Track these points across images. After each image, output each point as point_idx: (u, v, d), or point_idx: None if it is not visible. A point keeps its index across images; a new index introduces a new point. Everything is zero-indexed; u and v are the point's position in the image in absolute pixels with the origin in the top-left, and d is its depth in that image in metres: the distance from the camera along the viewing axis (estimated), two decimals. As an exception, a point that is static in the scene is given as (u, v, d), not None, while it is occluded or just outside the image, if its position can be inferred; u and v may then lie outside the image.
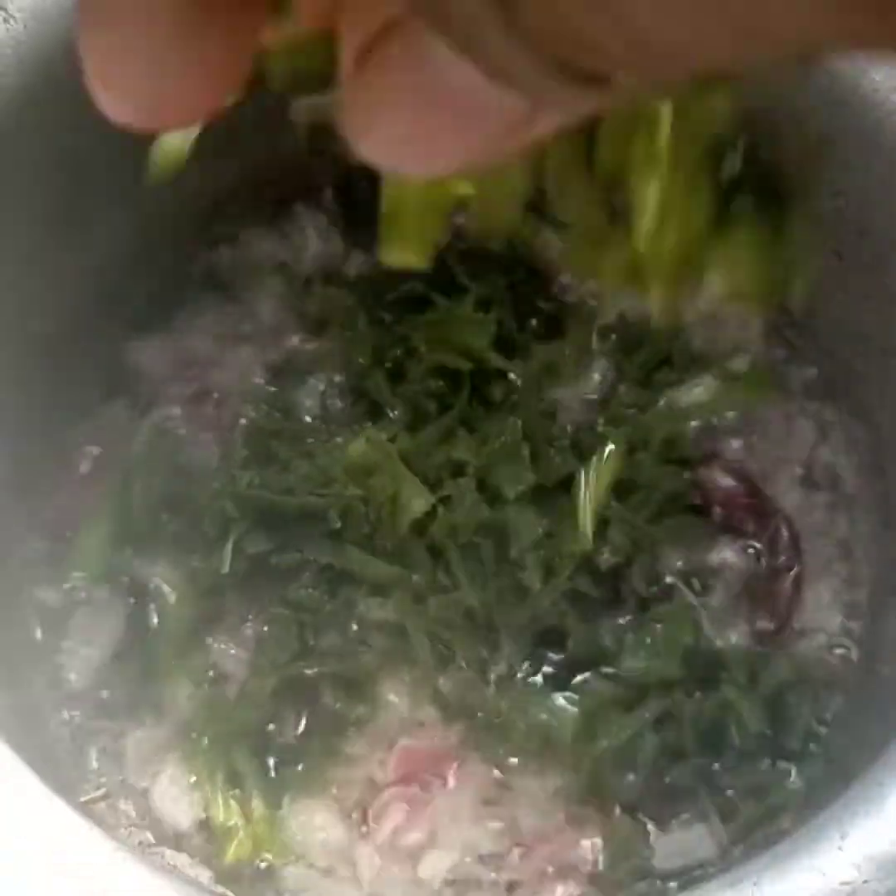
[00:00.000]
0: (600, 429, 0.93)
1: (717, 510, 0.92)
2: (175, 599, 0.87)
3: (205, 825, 0.81)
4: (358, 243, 0.99)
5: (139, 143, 0.80)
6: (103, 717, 0.86)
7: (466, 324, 0.92)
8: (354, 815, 0.83)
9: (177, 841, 0.82)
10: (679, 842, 0.85)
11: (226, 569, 0.87)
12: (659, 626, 0.86)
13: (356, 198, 1.00)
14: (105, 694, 0.86)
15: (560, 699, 0.85)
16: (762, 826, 0.85)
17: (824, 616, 0.90)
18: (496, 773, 0.84)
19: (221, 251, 0.97)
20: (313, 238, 0.99)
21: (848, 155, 0.79)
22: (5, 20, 0.72)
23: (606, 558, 0.88)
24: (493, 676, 0.85)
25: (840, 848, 0.61)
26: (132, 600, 0.88)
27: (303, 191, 0.99)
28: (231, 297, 0.96)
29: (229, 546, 0.87)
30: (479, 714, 0.84)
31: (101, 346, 0.92)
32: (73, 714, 0.86)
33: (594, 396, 0.95)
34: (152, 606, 0.87)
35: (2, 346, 0.81)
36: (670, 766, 0.84)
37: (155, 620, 0.87)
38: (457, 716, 0.85)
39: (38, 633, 0.87)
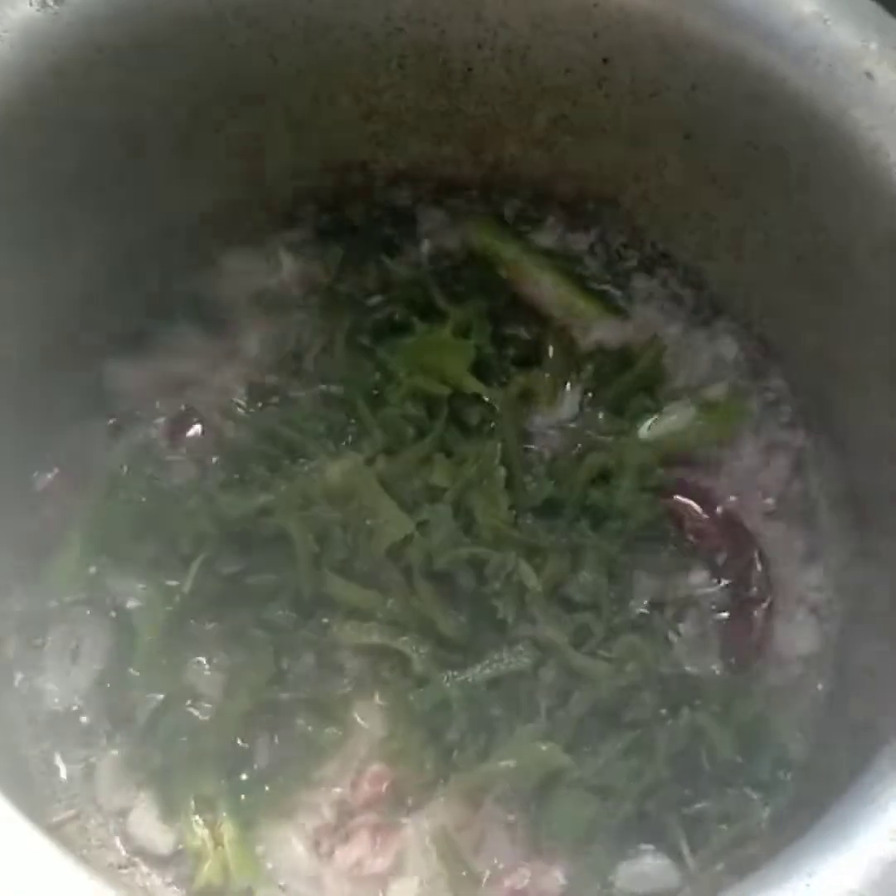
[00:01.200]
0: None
1: (691, 539, 0.93)
2: (150, 619, 0.86)
3: (181, 849, 0.81)
4: (339, 267, 1.00)
5: (127, 164, 0.81)
6: (76, 736, 0.86)
7: (445, 349, 0.93)
8: (324, 840, 0.83)
9: (153, 864, 0.81)
10: (645, 870, 0.85)
11: (187, 587, 0.87)
12: (632, 655, 0.86)
13: (338, 223, 1.01)
14: (78, 713, 0.86)
15: (531, 727, 0.84)
16: (731, 852, 0.85)
17: (795, 647, 0.90)
18: (466, 800, 0.84)
19: (203, 273, 0.97)
20: (294, 262, 0.99)
21: (828, 191, 0.79)
22: (-7, 40, 0.72)
23: (581, 585, 0.88)
24: (464, 703, 0.84)
25: (808, 885, 0.61)
26: (108, 619, 0.88)
27: (285, 215, 0.99)
28: (212, 318, 0.96)
29: (197, 564, 0.87)
30: (451, 740, 0.84)
31: (81, 365, 0.92)
32: (45, 733, 0.85)
33: (571, 424, 0.96)
34: (128, 626, 0.87)
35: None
36: (642, 793, 0.84)
37: (130, 640, 0.86)
38: (428, 742, 0.84)
39: (13, 650, 0.86)
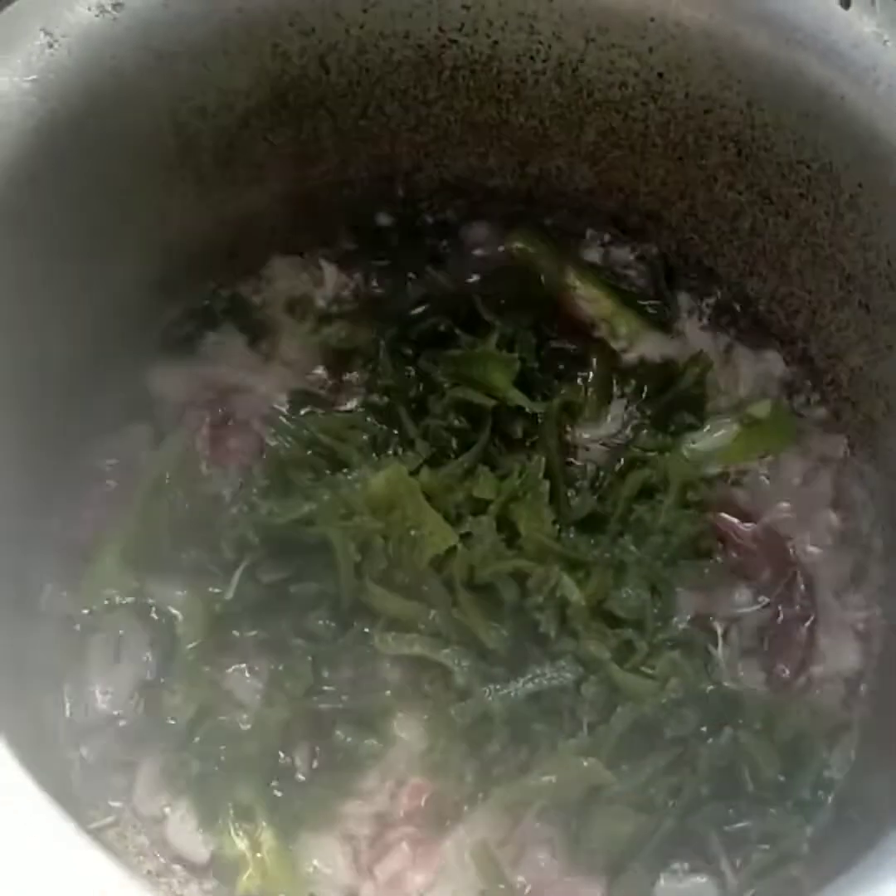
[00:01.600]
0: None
1: (735, 556, 0.92)
2: (191, 626, 0.86)
3: (219, 857, 0.81)
4: (383, 277, 1.00)
5: (176, 169, 0.81)
6: (116, 742, 0.85)
7: (490, 361, 0.92)
8: (364, 852, 0.83)
9: (191, 872, 0.81)
10: (685, 887, 0.84)
11: (230, 595, 0.87)
12: (674, 671, 0.85)
13: (383, 232, 1.00)
14: (118, 718, 0.86)
15: (573, 742, 0.84)
16: (772, 873, 0.84)
17: (838, 665, 0.90)
18: (506, 814, 0.84)
19: (246, 281, 0.97)
20: (338, 270, 0.99)
21: (881, 210, 0.79)
22: (50, 45, 0.72)
23: (623, 601, 0.88)
24: (506, 717, 0.84)
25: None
26: (150, 625, 0.88)
27: (330, 223, 0.99)
28: (255, 326, 0.96)
29: (239, 572, 0.87)
30: (492, 753, 0.84)
31: (125, 371, 0.92)
32: (85, 738, 0.85)
33: (615, 438, 0.96)
34: (169, 632, 0.87)
35: (28, 368, 0.81)
36: (683, 810, 0.84)
37: (171, 646, 0.86)
38: (469, 756, 0.84)
39: (57, 655, 0.86)
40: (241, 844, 0.81)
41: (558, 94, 0.90)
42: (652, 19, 0.83)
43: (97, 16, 0.75)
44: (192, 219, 0.89)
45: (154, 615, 0.88)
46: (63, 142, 0.75)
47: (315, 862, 0.82)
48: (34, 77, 0.72)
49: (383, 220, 1.00)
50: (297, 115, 0.89)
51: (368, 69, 0.88)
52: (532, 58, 0.88)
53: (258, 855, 0.81)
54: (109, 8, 0.75)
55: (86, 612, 0.88)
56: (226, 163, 0.87)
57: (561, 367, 0.97)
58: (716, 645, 0.89)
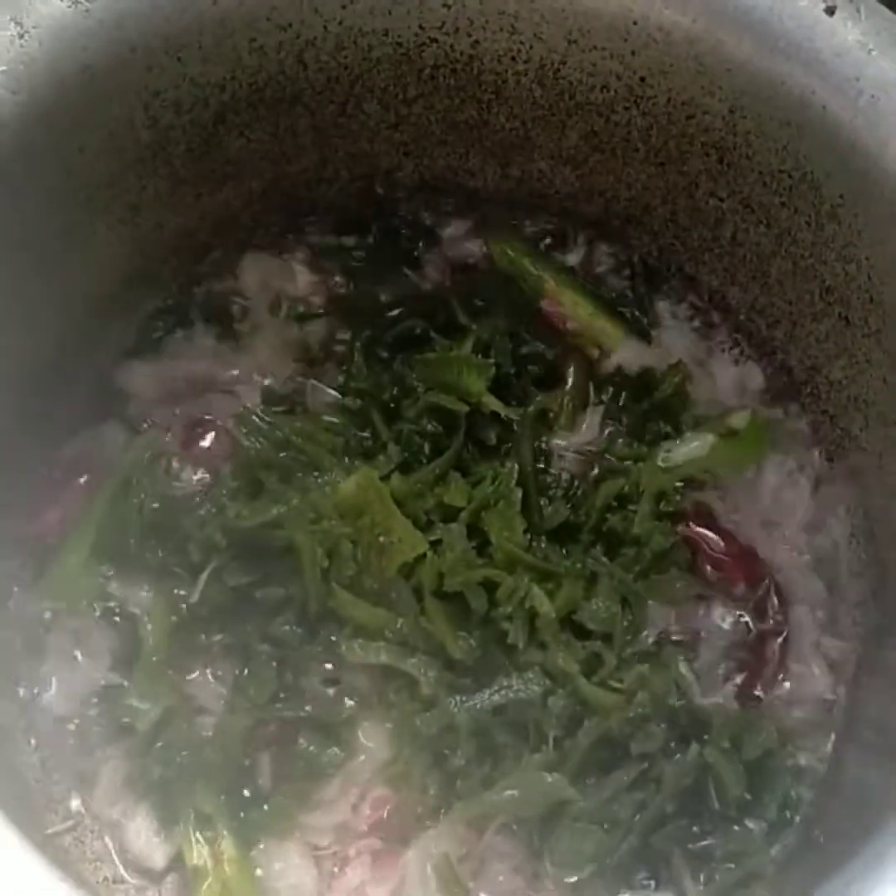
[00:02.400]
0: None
1: (708, 569, 0.91)
2: (155, 628, 0.85)
3: (178, 865, 0.79)
4: (359, 277, 0.98)
5: (149, 164, 0.79)
6: (75, 745, 0.84)
7: (465, 366, 0.91)
8: (325, 863, 0.82)
9: (149, 880, 0.80)
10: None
11: (195, 598, 0.86)
12: (643, 685, 0.84)
13: (359, 232, 0.99)
14: (78, 721, 0.84)
15: (538, 757, 0.83)
16: (736, 892, 0.83)
17: (810, 683, 0.89)
18: (468, 828, 0.83)
19: (220, 278, 0.95)
20: (314, 269, 0.98)
21: (863, 223, 0.78)
22: (21, 36, 0.71)
23: (594, 613, 0.87)
24: (471, 729, 0.83)
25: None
26: (112, 626, 0.86)
27: (306, 222, 0.98)
28: (228, 324, 0.95)
29: (205, 575, 0.85)
30: (456, 766, 0.82)
31: (96, 368, 0.91)
32: (44, 741, 0.84)
33: (590, 447, 0.94)
34: (132, 633, 0.86)
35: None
36: (647, 827, 0.83)
37: (134, 648, 0.85)
38: (432, 767, 0.83)
39: (16, 654, 0.85)
40: (202, 852, 0.80)
41: (540, 96, 0.89)
42: (635, 23, 0.82)
43: (69, 7, 0.73)
44: (166, 214, 0.87)
45: (117, 617, 0.87)
46: (33, 135, 0.73)
47: (276, 872, 0.81)
48: (3, 68, 0.70)
49: (361, 219, 0.98)
50: (274, 111, 0.87)
51: (347, 66, 0.86)
52: (513, 58, 0.87)
53: (218, 864, 0.80)
54: (83, 0, 0.73)
55: (48, 612, 0.86)
56: (200, 158, 0.86)
57: (537, 373, 0.95)
58: (686, 659, 0.87)
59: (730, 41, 0.78)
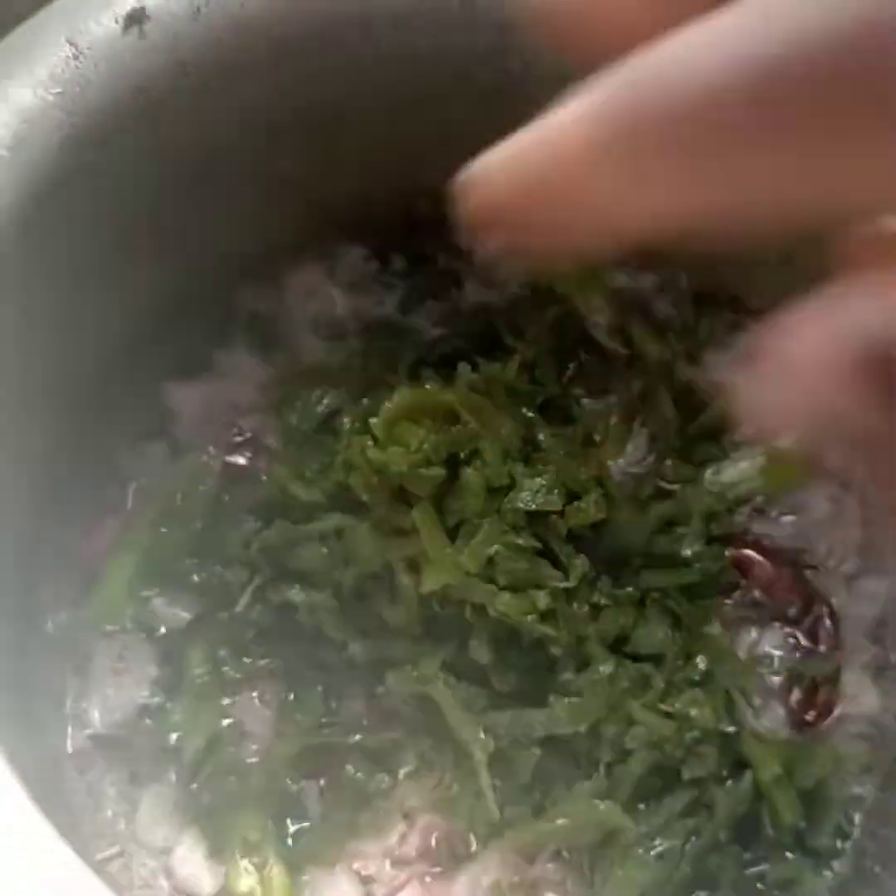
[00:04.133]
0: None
1: (758, 593, 0.90)
2: (199, 650, 0.84)
3: (227, 892, 0.79)
4: (403, 297, 0.98)
5: (198, 186, 0.79)
6: (120, 769, 0.83)
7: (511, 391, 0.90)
8: (374, 890, 0.81)
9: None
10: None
11: (237, 620, 0.85)
12: (694, 711, 0.83)
13: (404, 251, 0.99)
14: (124, 744, 0.83)
15: (589, 784, 0.82)
16: (788, 922, 0.82)
17: (864, 708, 0.88)
18: (519, 857, 0.82)
19: (265, 298, 0.95)
20: (354, 290, 0.97)
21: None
22: (76, 57, 0.70)
23: (644, 637, 0.86)
24: (521, 755, 0.82)
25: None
26: (157, 648, 0.86)
27: (352, 242, 0.97)
28: (272, 344, 0.94)
29: (246, 596, 0.85)
30: (507, 793, 0.82)
31: (142, 388, 0.90)
32: (89, 764, 0.83)
33: (636, 468, 0.93)
34: (177, 656, 0.85)
35: (44, 382, 0.79)
36: (700, 854, 0.82)
37: (178, 670, 0.84)
38: (482, 795, 0.82)
39: (61, 677, 0.84)
40: (250, 879, 0.79)
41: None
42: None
43: (124, 28, 0.72)
44: (213, 235, 0.87)
45: (161, 638, 0.86)
46: (87, 157, 0.72)
47: (324, 899, 0.80)
48: (59, 90, 0.70)
49: (405, 238, 0.98)
50: (322, 132, 0.87)
51: (396, 87, 0.86)
52: (565, 80, 0.86)
53: (267, 890, 0.79)
54: (137, 20, 0.73)
55: (93, 633, 0.86)
56: (249, 178, 0.85)
57: (583, 394, 0.95)
58: (740, 683, 0.86)
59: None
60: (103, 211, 0.77)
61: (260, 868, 0.79)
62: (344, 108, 0.86)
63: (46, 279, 0.74)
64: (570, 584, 0.83)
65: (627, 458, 0.93)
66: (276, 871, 0.79)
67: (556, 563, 0.84)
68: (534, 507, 0.83)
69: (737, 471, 0.93)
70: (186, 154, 0.80)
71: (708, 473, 0.93)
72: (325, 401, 0.91)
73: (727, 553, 0.90)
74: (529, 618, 0.82)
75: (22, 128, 0.69)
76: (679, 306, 0.99)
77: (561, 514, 0.84)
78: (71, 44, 0.71)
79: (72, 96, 0.71)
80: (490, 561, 0.81)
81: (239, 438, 0.92)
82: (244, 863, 0.79)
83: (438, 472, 0.81)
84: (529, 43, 0.81)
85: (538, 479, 0.84)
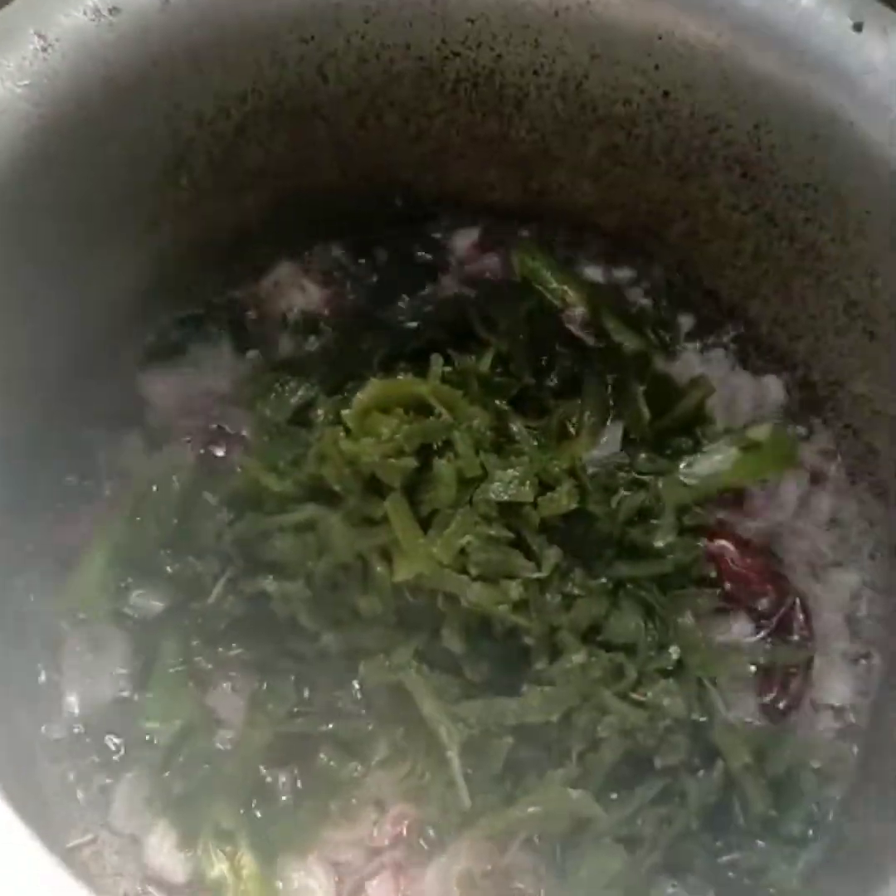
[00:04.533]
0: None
1: (731, 584, 0.90)
2: (173, 640, 0.85)
3: (198, 880, 0.79)
4: (378, 289, 0.98)
5: (169, 176, 0.79)
6: (94, 758, 0.83)
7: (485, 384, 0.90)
8: (347, 879, 0.81)
9: (169, 894, 0.79)
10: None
11: (211, 610, 0.85)
12: (666, 700, 0.84)
13: (378, 244, 0.99)
14: (97, 733, 0.84)
15: (561, 772, 0.82)
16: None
17: (834, 698, 0.88)
18: (491, 844, 0.82)
19: (239, 289, 0.95)
20: (333, 281, 0.97)
21: (889, 239, 0.77)
22: (44, 49, 0.71)
23: (617, 627, 0.86)
24: (492, 743, 0.82)
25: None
26: (130, 637, 0.86)
27: (322, 234, 0.97)
28: (247, 335, 0.95)
29: (220, 586, 0.85)
30: (478, 781, 0.82)
31: (117, 378, 0.91)
32: (62, 753, 0.83)
33: (611, 460, 0.93)
34: (151, 645, 0.85)
35: (20, 375, 0.80)
36: (671, 842, 0.82)
37: (152, 660, 0.84)
38: (454, 783, 0.82)
39: (34, 666, 0.84)
40: (222, 867, 0.79)
41: (561, 110, 0.89)
42: (659, 37, 0.82)
43: (92, 20, 0.73)
44: (186, 225, 0.87)
45: (136, 627, 0.86)
46: (56, 148, 0.73)
47: (296, 887, 0.80)
48: (27, 82, 0.70)
49: (380, 231, 0.98)
50: (294, 123, 0.87)
51: (368, 79, 0.86)
52: (536, 72, 0.87)
53: (239, 879, 0.79)
54: (105, 12, 0.73)
55: (66, 623, 0.86)
56: (220, 170, 0.86)
57: (557, 386, 0.95)
58: (713, 674, 0.87)
59: (754, 56, 0.78)
60: (73, 201, 0.77)
61: (231, 856, 0.79)
62: (317, 98, 0.87)
63: (15, 271, 0.75)
64: (543, 574, 0.83)
65: (601, 450, 0.93)
66: (248, 859, 0.79)
67: (528, 553, 0.84)
68: (506, 497, 0.83)
69: (710, 463, 0.93)
70: (158, 144, 0.80)
71: (682, 465, 0.93)
72: (299, 393, 0.91)
73: (700, 544, 0.90)
74: (502, 608, 0.82)
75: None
76: (654, 299, 0.99)
77: (534, 504, 0.84)
78: (39, 36, 0.71)
79: (40, 88, 0.71)
80: (462, 551, 0.82)
81: (213, 428, 0.91)
82: (217, 851, 0.79)
83: (410, 462, 0.82)
84: (501, 35, 0.82)
85: (511, 471, 0.84)
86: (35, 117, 0.71)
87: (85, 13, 0.73)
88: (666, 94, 0.85)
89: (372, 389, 0.84)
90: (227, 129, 0.84)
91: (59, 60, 0.72)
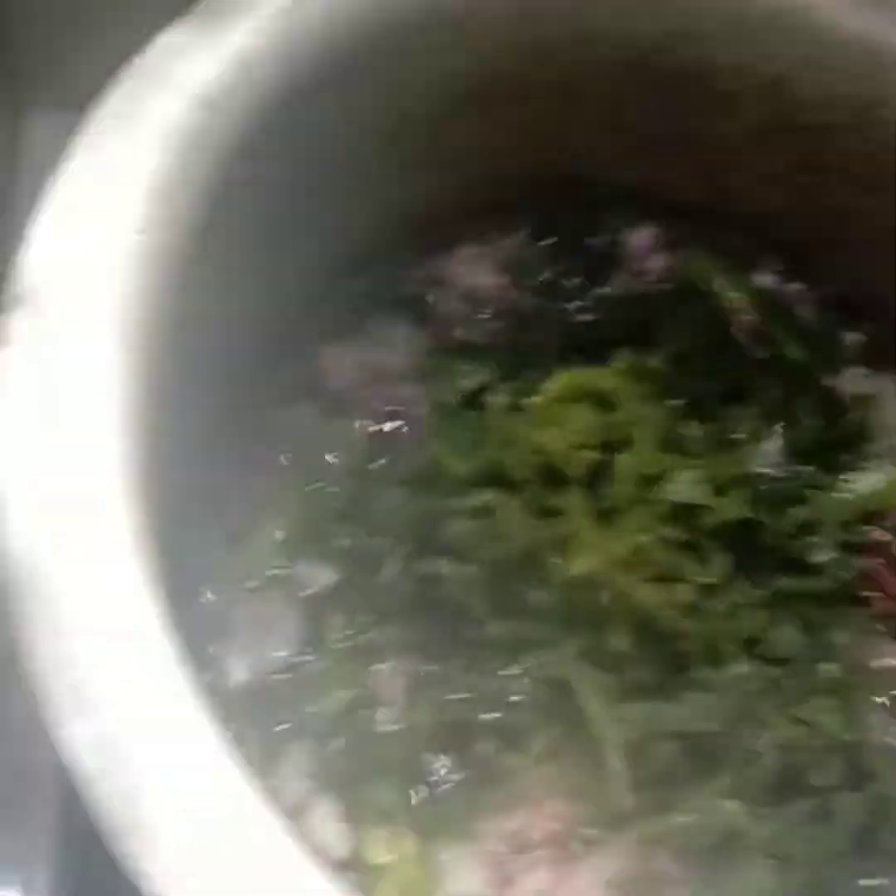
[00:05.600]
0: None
1: (884, 606, 0.90)
2: (342, 614, 0.84)
3: (359, 858, 0.78)
4: (549, 282, 0.97)
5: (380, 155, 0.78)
6: (258, 726, 0.83)
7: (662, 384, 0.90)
8: (500, 870, 0.80)
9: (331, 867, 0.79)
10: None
11: (381, 586, 0.85)
12: (823, 718, 0.83)
13: (552, 235, 0.98)
14: (263, 704, 0.83)
15: (717, 783, 0.81)
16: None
17: None
18: (641, 850, 0.81)
19: (426, 268, 0.95)
20: (506, 271, 0.97)
21: None
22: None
23: (776, 641, 0.86)
24: (651, 747, 0.82)
25: None
26: (300, 607, 0.85)
27: (510, 221, 0.97)
28: (429, 315, 0.94)
29: (391, 563, 0.85)
30: (635, 785, 0.81)
31: (298, 351, 0.90)
32: (228, 723, 0.82)
33: (772, 472, 0.93)
34: (319, 617, 0.85)
35: (212, 350, 0.78)
36: (819, 862, 0.81)
37: (320, 637, 0.84)
38: (610, 784, 0.81)
39: (204, 635, 0.84)
40: (382, 848, 0.79)
41: (767, 113, 0.88)
42: (874, 47, 0.81)
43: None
44: (385, 201, 0.87)
45: (304, 601, 0.85)
46: (291, 115, 0.72)
47: (451, 875, 0.80)
48: (274, 38, 0.69)
49: (561, 221, 0.97)
50: (500, 106, 0.87)
51: (580, 64, 0.85)
52: (749, 73, 0.86)
53: (398, 861, 0.78)
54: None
55: (235, 592, 0.85)
56: (428, 148, 0.85)
57: (725, 392, 0.94)
58: (869, 694, 0.86)
59: None
60: (292, 178, 0.77)
61: (391, 837, 0.79)
62: (521, 83, 0.86)
63: (230, 246, 0.74)
64: (714, 580, 0.83)
65: (765, 460, 0.93)
66: (407, 842, 0.79)
67: (699, 557, 0.84)
68: (683, 499, 0.83)
69: (871, 481, 0.93)
70: (378, 117, 0.79)
71: (843, 481, 0.93)
72: (474, 376, 0.91)
73: (859, 564, 0.90)
74: (670, 611, 0.81)
75: (239, 75, 0.68)
76: (824, 314, 0.98)
77: (708, 508, 0.84)
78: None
79: (289, 43, 0.70)
80: (638, 549, 0.81)
81: (389, 407, 0.91)
82: (376, 831, 0.79)
83: (594, 455, 0.82)
84: (720, 35, 0.81)
85: (688, 472, 0.84)
86: (285, 76, 0.70)
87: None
88: (874, 105, 0.84)
89: (561, 380, 0.84)
90: (440, 108, 0.83)
91: (306, 20, 0.71)
